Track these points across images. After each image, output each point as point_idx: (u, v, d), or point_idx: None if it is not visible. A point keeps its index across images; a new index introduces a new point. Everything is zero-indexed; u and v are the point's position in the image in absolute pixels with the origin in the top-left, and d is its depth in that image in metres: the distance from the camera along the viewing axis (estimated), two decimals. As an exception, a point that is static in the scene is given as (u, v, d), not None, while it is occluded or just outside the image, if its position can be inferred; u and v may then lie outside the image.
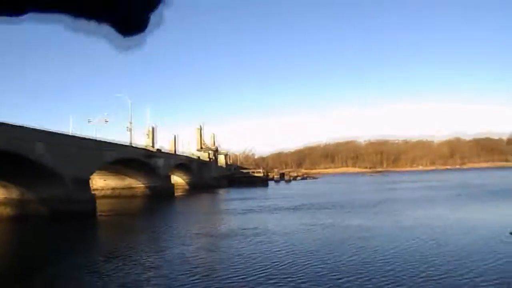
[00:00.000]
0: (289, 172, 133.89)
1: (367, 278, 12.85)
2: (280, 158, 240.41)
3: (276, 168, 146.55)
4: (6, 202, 34.08)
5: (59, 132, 35.92)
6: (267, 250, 17.97)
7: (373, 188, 68.99)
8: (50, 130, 33.92)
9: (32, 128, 31.56)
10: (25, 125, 30.76)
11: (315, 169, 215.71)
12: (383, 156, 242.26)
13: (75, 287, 13.14)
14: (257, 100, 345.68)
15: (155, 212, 40.37)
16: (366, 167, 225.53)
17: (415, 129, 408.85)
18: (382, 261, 15.18)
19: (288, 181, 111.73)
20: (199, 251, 18.70)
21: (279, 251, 17.68)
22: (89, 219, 33.40)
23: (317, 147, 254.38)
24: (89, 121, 60.43)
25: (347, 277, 13.00)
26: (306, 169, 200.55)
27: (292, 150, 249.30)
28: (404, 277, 12.74)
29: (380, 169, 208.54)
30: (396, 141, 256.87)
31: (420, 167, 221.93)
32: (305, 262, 15.46)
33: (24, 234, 27.96)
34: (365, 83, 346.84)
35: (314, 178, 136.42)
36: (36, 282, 14.25)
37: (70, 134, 40.62)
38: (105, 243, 23.48)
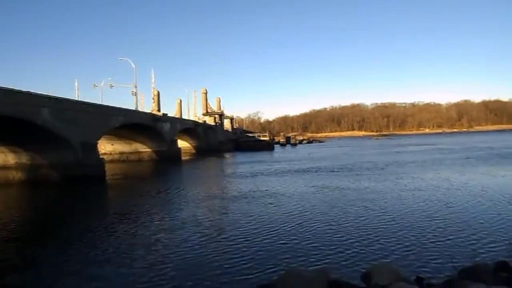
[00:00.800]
0: (295, 136, 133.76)
1: (375, 237, 12.94)
2: (286, 122, 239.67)
3: (282, 132, 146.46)
4: (17, 167, 34.58)
5: (64, 98, 35.66)
6: (275, 212, 18.12)
7: (380, 151, 68.85)
8: (55, 96, 33.66)
9: (37, 94, 31.32)
10: (30, 91, 30.52)
11: (321, 133, 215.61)
12: (390, 120, 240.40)
13: (87, 248, 13.38)
14: (262, 64, 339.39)
15: (163, 176, 40.83)
16: (372, 131, 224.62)
17: (423, 93, 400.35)
18: (390, 221, 15.25)
19: (294, 144, 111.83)
20: (208, 212, 18.91)
21: (287, 212, 17.80)
22: (99, 183, 33.91)
23: (323, 111, 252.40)
24: (94, 86, 60.24)
25: (355, 237, 13.07)
26: (312, 133, 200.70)
27: (298, 114, 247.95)
28: (412, 238, 12.79)
29: (386, 133, 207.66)
30: (404, 105, 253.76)
31: (427, 130, 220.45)
32: (314, 223, 15.56)
33: (35, 198, 28.51)
34: (372, 47, 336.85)
35: (320, 141, 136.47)
36: (49, 245, 14.54)
37: (75, 99, 40.40)
38: (115, 205, 23.85)
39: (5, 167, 34.68)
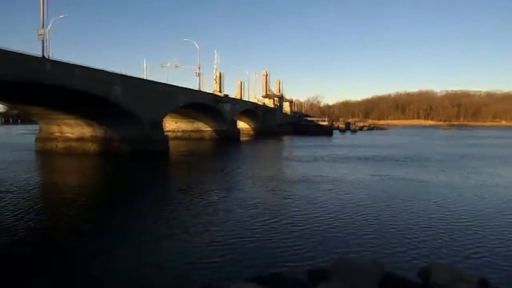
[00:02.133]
0: (356, 122, 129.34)
1: (439, 234, 12.03)
2: (346, 107, 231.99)
3: (342, 117, 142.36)
4: (92, 139, 37.46)
5: (134, 76, 37.60)
6: (333, 198, 17.67)
7: (451, 143, 64.17)
8: (126, 74, 35.61)
9: (111, 72, 33.34)
10: (104, 69, 32.59)
11: (384, 120, 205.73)
12: (461, 109, 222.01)
13: (151, 220, 14.11)
14: (324, 46, 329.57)
15: (223, 155, 41.83)
16: (440, 120, 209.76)
17: (500, 81, 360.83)
18: (459, 219, 14.08)
19: (354, 131, 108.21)
20: (266, 194, 18.98)
21: (346, 200, 17.25)
22: (163, 158, 35.64)
23: (386, 97, 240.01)
24: (162, 66, 62.72)
25: (415, 232, 12.26)
26: (373, 119, 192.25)
27: (360, 100, 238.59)
28: (482, 239, 11.66)
29: (456, 123, 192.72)
30: (478, 93, 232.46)
31: (504, 122, 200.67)
32: (373, 212, 14.91)
33: (107, 168, 30.76)
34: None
35: (382, 129, 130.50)
36: (117, 214, 15.55)
37: (144, 78, 42.43)
38: (178, 180, 24.89)
39: (82, 139, 37.77)
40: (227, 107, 62.31)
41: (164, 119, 46.15)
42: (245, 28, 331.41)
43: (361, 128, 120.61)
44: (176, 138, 56.95)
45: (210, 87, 68.22)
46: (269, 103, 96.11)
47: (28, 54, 25.48)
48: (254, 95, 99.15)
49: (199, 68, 59.96)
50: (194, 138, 60.16)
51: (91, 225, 13.29)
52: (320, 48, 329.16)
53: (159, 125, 39.59)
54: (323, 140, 66.04)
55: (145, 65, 55.51)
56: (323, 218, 13.99)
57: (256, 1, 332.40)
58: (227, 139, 58.48)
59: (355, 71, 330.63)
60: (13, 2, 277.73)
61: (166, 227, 12.96)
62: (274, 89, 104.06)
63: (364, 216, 14.36)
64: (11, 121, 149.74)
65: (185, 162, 35.64)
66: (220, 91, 67.09)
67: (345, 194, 18.70)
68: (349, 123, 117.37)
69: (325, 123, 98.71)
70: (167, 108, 43.95)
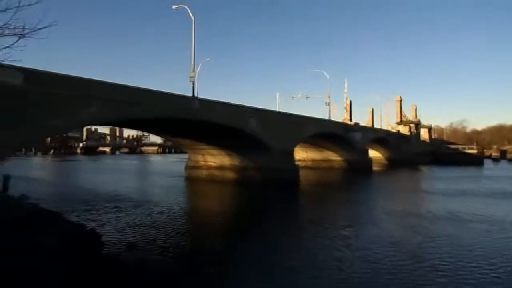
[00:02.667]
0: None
1: None
2: (500, 132, 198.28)
3: (495, 144, 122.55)
4: (230, 168, 40.89)
5: (267, 109, 40.05)
6: (491, 242, 15.04)
7: None
8: (260, 108, 38.22)
9: (247, 106, 36.26)
10: (242, 104, 35.69)
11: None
12: None
13: (280, 249, 14.34)
14: (466, 63, 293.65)
15: (353, 185, 40.39)
16: None
17: None
18: None
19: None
20: (405, 231, 17.40)
21: (503, 245, 14.47)
22: (293, 186, 36.37)
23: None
24: (292, 97, 65.57)
25: None
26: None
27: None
28: None
29: None
30: None
31: None
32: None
33: (243, 195, 32.93)
34: None
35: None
36: (248, 240, 16.30)
37: (276, 110, 44.78)
38: (306, 211, 24.94)
39: (222, 167, 41.60)
40: (357, 135, 60.57)
41: (295, 149, 47.46)
42: (374, 53, 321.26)
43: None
44: (305, 167, 57.68)
45: (340, 115, 67.79)
46: (404, 130, 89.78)
47: (183, 95, 29.79)
48: (387, 122, 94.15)
49: (329, 97, 60.35)
50: (324, 168, 59.91)
51: (223, 249, 14.36)
52: (461, 67, 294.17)
53: (290, 155, 40.86)
54: (471, 171, 57.77)
55: (277, 97, 58.81)
56: (477, 267, 11.97)
57: (382, 25, 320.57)
58: (358, 168, 56.40)
59: (510, 87, 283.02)
60: (166, 50, 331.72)
61: (294, 259, 12.97)
62: (410, 115, 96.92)
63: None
64: (167, 150, 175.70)
65: (315, 192, 35.63)
66: (350, 119, 65.94)
67: (505, 238, 15.76)
68: (504, 151, 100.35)
69: (473, 151, 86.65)
70: (298, 138, 45.17)
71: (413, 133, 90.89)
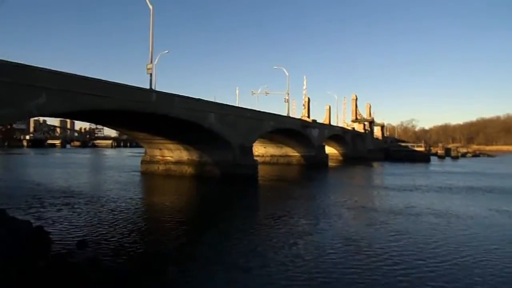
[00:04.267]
0: (457, 147, 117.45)
1: None
2: (445, 131, 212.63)
3: (440, 142, 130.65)
4: (189, 163, 40.27)
5: (226, 104, 39.80)
6: (434, 234, 16.01)
7: None
8: (220, 102, 37.89)
9: (207, 101, 35.77)
10: (201, 98, 35.14)
11: (491, 145, 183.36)
12: None
13: (235, 245, 14.33)
14: (417, 65, 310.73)
15: (310, 181, 41.29)
16: None
17: None
18: None
19: (456, 157, 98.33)
20: (355, 225, 18.04)
21: (452, 237, 15.52)
22: (252, 182, 36.51)
23: (495, 120, 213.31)
24: (252, 93, 65.72)
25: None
26: (478, 145, 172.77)
27: (461, 123, 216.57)
28: None
29: None
30: None
31: None
32: (485, 257, 12.98)
33: (201, 190, 32.51)
34: None
35: (489, 156, 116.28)
36: (208, 233, 16.16)
37: (236, 105, 44.63)
38: (266, 206, 25.14)
39: (180, 162, 40.86)
40: (315, 132, 61.95)
41: (254, 144, 47.62)
42: (331, 53, 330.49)
43: (463, 155, 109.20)
44: (264, 162, 58.15)
45: (298, 112, 69.03)
46: (358, 127, 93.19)
47: (139, 87, 28.75)
48: (343, 119, 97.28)
49: (288, 94, 61.13)
50: (282, 163, 60.74)
51: (180, 242, 14.11)
52: (412, 68, 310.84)
53: (249, 150, 40.94)
54: (419, 168, 61.25)
55: (237, 92, 58.64)
56: (431, 260, 12.49)
57: (342, 26, 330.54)
58: (315, 164, 57.82)
59: (455, 91, 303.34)
60: (123, 41, 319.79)
61: (247, 256, 12.95)
62: (364, 113, 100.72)
63: (472, 259, 12.64)
64: (122, 144, 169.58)
65: (273, 187, 36.00)
66: (308, 116, 67.23)
67: (446, 230, 16.83)
68: (449, 149, 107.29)
69: (421, 148, 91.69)
70: (257, 134, 45.35)
71: (367, 131, 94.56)
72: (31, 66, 20.42)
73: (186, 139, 38.35)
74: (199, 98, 34.97)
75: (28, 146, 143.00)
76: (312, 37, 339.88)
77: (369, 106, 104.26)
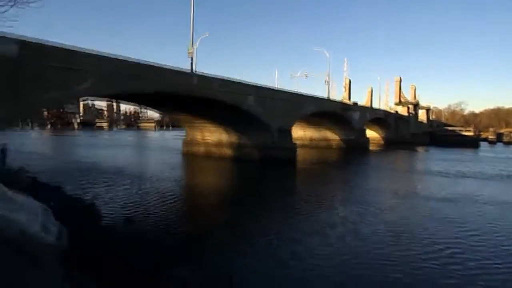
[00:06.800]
0: (510, 132, 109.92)
1: None
2: (498, 115, 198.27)
3: (492, 127, 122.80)
4: (228, 145, 40.94)
5: (265, 86, 39.71)
6: (479, 223, 15.36)
7: None
8: (258, 85, 37.87)
9: (244, 83, 35.91)
10: (241, 81, 35.31)
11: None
12: None
13: (275, 223, 14.56)
14: (466, 46, 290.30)
15: (349, 165, 40.67)
16: None
17: None
18: None
19: (508, 143, 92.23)
20: (396, 211, 17.69)
21: (497, 228, 14.79)
22: (291, 165, 36.57)
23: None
24: (291, 76, 64.96)
25: None
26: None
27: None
28: None
29: None
30: None
31: None
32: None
33: (241, 172, 33.10)
34: None
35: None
36: (248, 212, 16.50)
37: (274, 88, 44.42)
38: (304, 188, 25.17)
39: (220, 144, 41.66)
40: (356, 115, 60.47)
41: (293, 127, 47.38)
42: (375, 33, 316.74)
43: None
44: (303, 146, 57.77)
45: (339, 95, 67.50)
46: (402, 111, 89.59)
47: (181, 70, 29.44)
48: (386, 102, 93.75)
49: (329, 76, 59.84)
50: (322, 147, 60.07)
51: (222, 220, 14.62)
52: (463, 48, 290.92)
53: (288, 133, 40.85)
54: (466, 153, 58.22)
55: (276, 75, 58.26)
56: (473, 248, 12.17)
57: (387, 4, 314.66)
58: (355, 148, 56.66)
59: (509, 72, 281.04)
60: (165, 23, 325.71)
61: (286, 230, 13.22)
62: (409, 96, 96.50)
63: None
64: (164, 127, 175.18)
65: (312, 170, 35.86)
66: (349, 99, 65.59)
67: (499, 221, 16.06)
68: (501, 134, 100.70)
69: (470, 133, 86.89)
70: (296, 116, 45.04)
71: (411, 114, 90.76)
72: (77, 51, 21.43)
73: (225, 121, 38.87)
74: (238, 81, 35.19)
75: (78, 129, 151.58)
76: (354, 19, 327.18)
77: (414, 88, 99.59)
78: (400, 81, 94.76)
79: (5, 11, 9.94)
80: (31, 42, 18.91)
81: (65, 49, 20.62)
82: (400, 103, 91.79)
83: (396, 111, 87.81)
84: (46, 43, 19.83)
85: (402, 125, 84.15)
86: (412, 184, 26.07)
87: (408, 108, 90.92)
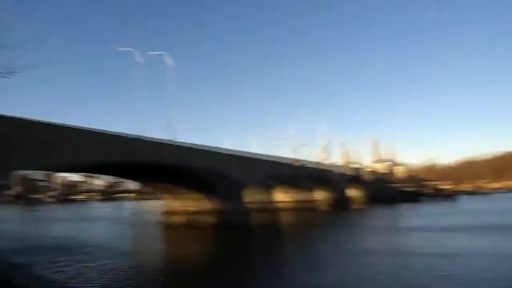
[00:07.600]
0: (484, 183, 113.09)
1: None
2: (472, 167, 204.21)
3: (467, 179, 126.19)
4: (210, 212, 39.88)
5: (244, 155, 40.23)
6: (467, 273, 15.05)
7: None
8: (238, 154, 38.49)
9: (224, 153, 36.52)
10: (220, 151, 35.83)
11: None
12: None
13: None
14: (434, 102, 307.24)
15: (335, 227, 40.05)
16: None
17: None
18: None
19: (484, 193, 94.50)
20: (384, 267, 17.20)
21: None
22: (277, 229, 35.67)
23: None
24: (269, 142, 66.29)
25: None
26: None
27: (489, 157, 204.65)
28: None
29: None
30: None
31: None
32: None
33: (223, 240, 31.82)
34: None
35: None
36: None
37: (252, 157, 44.73)
38: (276, 250, 24.32)
39: (200, 212, 40.60)
40: (335, 175, 61.28)
41: (276, 191, 47.25)
42: (351, 91, 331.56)
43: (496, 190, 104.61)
44: (287, 208, 57.00)
45: (317, 154, 68.92)
46: (379, 169, 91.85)
47: (156, 142, 29.62)
48: (362, 161, 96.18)
49: (305, 142, 61.57)
50: (304, 208, 59.38)
51: None
52: (431, 108, 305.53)
53: (266, 196, 40.59)
54: (444, 207, 58.76)
55: (254, 143, 59.33)
56: None
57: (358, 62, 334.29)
58: (338, 207, 56.56)
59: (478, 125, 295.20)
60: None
61: None
62: (385, 154, 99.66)
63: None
64: (142, 197, 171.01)
65: (287, 233, 35.00)
66: (327, 160, 67.03)
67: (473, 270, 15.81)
68: (478, 186, 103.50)
69: (448, 187, 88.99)
70: (274, 180, 45.15)
71: (388, 172, 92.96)
72: (52, 123, 21.40)
73: (207, 189, 38.45)
74: (218, 151, 35.53)
75: (55, 203, 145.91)
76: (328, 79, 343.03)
77: (389, 148, 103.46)
78: (376, 140, 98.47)
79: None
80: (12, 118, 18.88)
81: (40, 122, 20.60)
82: (377, 161, 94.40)
83: (374, 170, 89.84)
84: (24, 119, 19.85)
85: (381, 183, 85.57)
86: (388, 242, 25.80)
87: (385, 166, 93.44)
